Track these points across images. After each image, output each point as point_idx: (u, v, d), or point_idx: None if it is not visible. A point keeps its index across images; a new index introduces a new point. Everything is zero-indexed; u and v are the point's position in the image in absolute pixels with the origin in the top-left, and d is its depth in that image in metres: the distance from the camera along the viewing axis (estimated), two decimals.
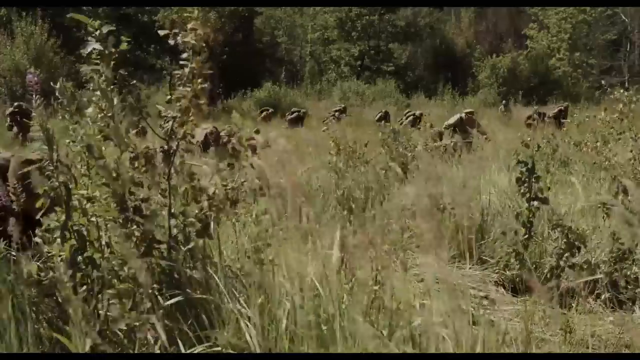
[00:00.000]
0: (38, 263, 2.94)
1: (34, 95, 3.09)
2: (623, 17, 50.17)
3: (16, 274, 2.83)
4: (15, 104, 18.46)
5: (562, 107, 21.29)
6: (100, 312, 2.68)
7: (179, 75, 3.10)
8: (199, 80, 3.08)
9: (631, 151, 7.90)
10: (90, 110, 3.04)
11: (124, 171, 2.96)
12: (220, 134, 11.43)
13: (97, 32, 3.01)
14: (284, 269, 2.90)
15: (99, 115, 3.00)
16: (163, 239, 2.95)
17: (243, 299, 2.81)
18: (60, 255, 2.83)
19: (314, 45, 52.71)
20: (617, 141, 8.81)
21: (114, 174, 2.93)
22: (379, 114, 25.25)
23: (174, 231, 3.02)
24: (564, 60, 45.69)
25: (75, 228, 2.88)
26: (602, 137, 9.28)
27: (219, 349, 2.60)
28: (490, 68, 43.79)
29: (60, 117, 3.16)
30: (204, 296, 2.78)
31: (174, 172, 3.09)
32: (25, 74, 3.65)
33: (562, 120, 17.03)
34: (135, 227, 2.88)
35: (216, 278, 2.80)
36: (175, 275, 2.86)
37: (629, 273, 4.76)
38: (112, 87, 3.04)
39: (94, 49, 3.01)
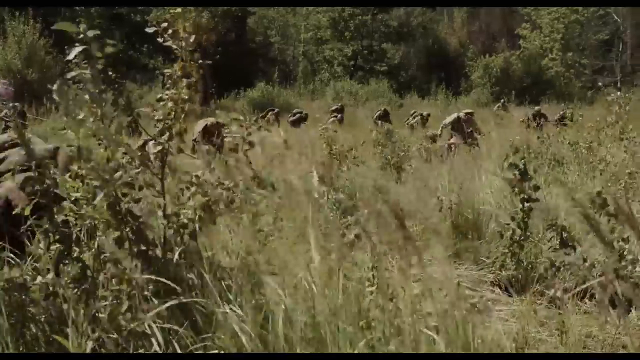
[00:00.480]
0: (26, 265, 2.91)
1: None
2: (615, 17, 50.35)
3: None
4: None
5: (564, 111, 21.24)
6: (98, 314, 2.64)
7: (168, 75, 3.08)
8: (184, 84, 3.05)
9: (625, 152, 7.92)
10: (83, 112, 3.01)
11: (115, 172, 2.93)
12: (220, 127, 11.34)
13: (82, 36, 2.98)
14: (276, 270, 2.87)
15: (90, 117, 2.97)
16: (157, 240, 2.92)
17: (237, 302, 2.78)
18: (49, 257, 2.80)
19: (307, 45, 52.70)
20: (613, 142, 8.85)
21: (106, 176, 2.89)
22: (378, 113, 25.16)
23: (168, 232, 2.99)
24: (557, 60, 45.82)
25: (60, 229, 2.84)
26: (597, 138, 9.30)
27: (215, 351, 2.58)
28: (483, 68, 43.88)
29: (52, 119, 3.12)
30: (198, 299, 2.75)
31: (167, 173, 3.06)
32: (17, 75, 3.61)
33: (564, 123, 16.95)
34: (128, 229, 2.84)
35: (209, 280, 2.77)
36: (170, 277, 2.82)
37: (624, 273, 4.75)
38: (102, 88, 3.01)
39: (80, 52, 2.98)
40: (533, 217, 5.27)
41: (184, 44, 3.07)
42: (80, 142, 2.90)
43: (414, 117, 19.56)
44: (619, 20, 50.74)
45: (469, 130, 13.22)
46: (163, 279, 2.70)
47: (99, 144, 3.03)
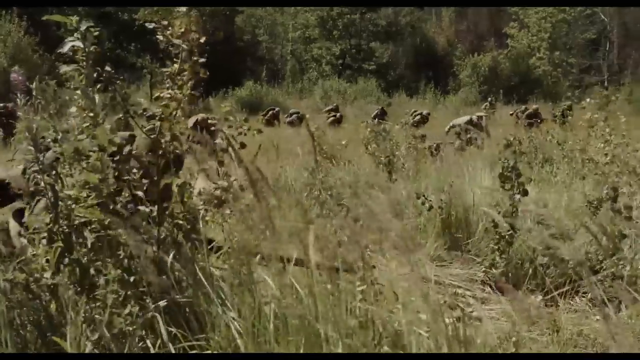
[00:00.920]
0: (21, 265, 2.87)
1: (18, 95, 3.02)
2: (602, 16, 50.59)
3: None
4: (1, 104, 17.32)
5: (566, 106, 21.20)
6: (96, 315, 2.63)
7: (168, 73, 3.05)
8: (189, 84, 3.03)
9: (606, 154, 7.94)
10: (73, 110, 2.98)
11: (109, 171, 2.91)
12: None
13: (76, 30, 2.95)
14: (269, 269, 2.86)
15: (83, 115, 2.94)
16: (151, 240, 2.91)
17: (230, 302, 2.77)
18: (46, 258, 2.78)
19: (295, 44, 52.67)
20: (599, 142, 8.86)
21: (99, 175, 2.88)
22: (376, 112, 25.11)
23: (163, 233, 2.98)
24: (544, 59, 46.00)
25: (61, 230, 2.82)
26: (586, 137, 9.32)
27: (209, 351, 2.58)
28: (471, 67, 44.00)
29: (39, 118, 3.09)
30: (192, 300, 2.74)
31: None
32: (9, 73, 3.56)
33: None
34: (122, 228, 2.83)
35: (204, 280, 2.76)
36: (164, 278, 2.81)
37: (614, 271, 4.78)
38: (94, 85, 2.99)
39: (73, 46, 2.95)
40: (522, 214, 5.29)
41: (186, 43, 3.04)
42: (74, 140, 2.88)
43: (414, 116, 19.40)
44: (605, 19, 50.98)
45: (479, 133, 13.25)
46: (157, 279, 2.68)
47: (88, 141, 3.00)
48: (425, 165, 9.22)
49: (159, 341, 2.61)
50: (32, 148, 2.90)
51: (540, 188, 7.34)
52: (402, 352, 2.43)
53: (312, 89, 43.50)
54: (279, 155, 11.28)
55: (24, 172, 3.43)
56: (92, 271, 2.80)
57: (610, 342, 3.98)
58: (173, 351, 2.59)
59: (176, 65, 3.13)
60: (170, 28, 3.13)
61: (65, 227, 2.84)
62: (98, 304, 2.66)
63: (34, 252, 2.83)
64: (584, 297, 4.66)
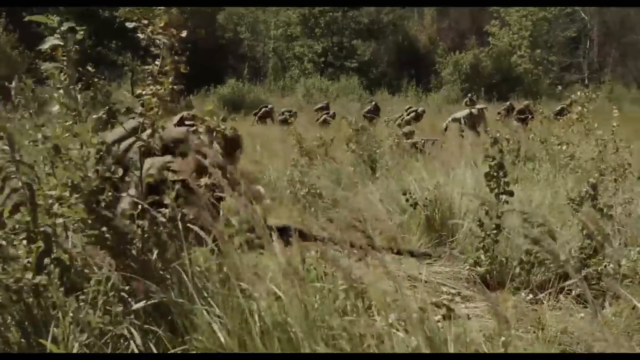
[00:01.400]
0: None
1: None
2: (582, 14, 50.91)
3: None
4: None
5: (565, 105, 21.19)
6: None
7: (149, 71, 3.02)
8: (170, 80, 3.01)
9: (593, 150, 7.98)
10: (56, 108, 2.94)
11: (91, 170, 2.88)
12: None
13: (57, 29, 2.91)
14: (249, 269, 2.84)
15: (64, 113, 2.91)
16: (135, 239, 2.87)
17: (214, 302, 2.74)
18: (27, 258, 2.73)
19: (277, 42, 52.59)
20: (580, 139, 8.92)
21: (81, 174, 2.84)
22: (368, 107, 25.00)
23: (146, 232, 2.94)
24: (525, 57, 46.21)
25: (42, 229, 2.78)
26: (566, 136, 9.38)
27: (194, 351, 2.55)
28: (453, 65, 44.11)
29: (20, 117, 3.04)
30: (177, 300, 2.71)
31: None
32: None
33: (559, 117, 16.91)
34: (105, 228, 2.79)
35: (187, 280, 2.73)
36: (147, 277, 2.78)
37: (599, 269, 4.79)
38: (76, 84, 2.95)
39: (54, 45, 2.91)
40: (507, 211, 5.29)
41: (167, 38, 3.01)
42: (55, 139, 2.84)
43: (408, 113, 19.25)
44: (586, 17, 51.32)
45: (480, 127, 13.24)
46: (140, 278, 2.66)
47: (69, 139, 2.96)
48: (410, 162, 9.20)
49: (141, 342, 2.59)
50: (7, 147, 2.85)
51: (523, 185, 7.36)
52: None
53: (294, 87, 43.45)
54: (264, 153, 11.27)
55: None
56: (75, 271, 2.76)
57: (594, 340, 4.01)
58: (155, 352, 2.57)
59: (158, 62, 3.10)
60: (151, 26, 3.10)
61: (45, 227, 2.80)
62: (83, 304, 2.62)
63: (14, 253, 2.78)
64: (568, 294, 4.66)
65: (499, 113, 19.00)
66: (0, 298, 2.67)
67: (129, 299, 2.74)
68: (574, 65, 50.84)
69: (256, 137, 13.60)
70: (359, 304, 2.65)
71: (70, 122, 2.93)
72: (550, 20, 48.00)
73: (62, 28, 2.93)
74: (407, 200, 6.08)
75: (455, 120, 14.84)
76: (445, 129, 14.97)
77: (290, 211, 6.77)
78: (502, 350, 2.63)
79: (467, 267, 5.24)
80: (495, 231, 5.08)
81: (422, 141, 11.28)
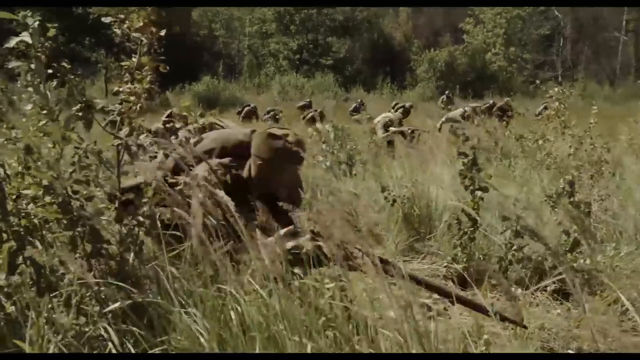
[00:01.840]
0: None
1: None
2: (556, 12, 51.28)
3: None
4: None
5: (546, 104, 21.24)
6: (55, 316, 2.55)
7: (127, 67, 2.97)
8: (149, 78, 2.97)
9: (570, 147, 8.04)
10: (28, 107, 2.89)
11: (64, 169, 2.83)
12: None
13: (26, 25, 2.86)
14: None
15: (37, 112, 2.86)
16: (111, 239, 2.83)
17: (192, 301, 2.71)
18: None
19: (252, 39, 52.44)
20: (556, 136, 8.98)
21: (55, 173, 2.79)
22: (354, 105, 24.88)
23: (123, 230, 2.90)
24: (500, 54, 46.47)
25: (13, 229, 2.73)
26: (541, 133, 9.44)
27: (174, 352, 2.52)
28: (428, 62, 44.24)
29: None
30: (155, 300, 2.67)
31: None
32: None
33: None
34: (80, 227, 2.75)
35: (165, 280, 2.69)
36: (125, 278, 2.74)
37: (575, 265, 4.82)
38: (49, 81, 2.90)
39: (22, 41, 2.85)
40: (484, 208, 5.31)
41: (145, 36, 2.97)
42: (28, 138, 2.79)
43: (396, 109, 19.13)
44: (559, 15, 51.71)
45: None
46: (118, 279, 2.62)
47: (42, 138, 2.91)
48: (387, 159, 9.21)
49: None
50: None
51: (500, 182, 7.38)
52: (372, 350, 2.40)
53: (269, 84, 43.36)
54: None
55: None
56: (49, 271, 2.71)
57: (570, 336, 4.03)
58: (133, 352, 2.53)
59: (135, 59, 3.06)
60: (127, 21, 3.06)
61: (17, 226, 2.75)
62: (59, 304, 2.58)
63: None
64: (545, 291, 4.69)
65: (483, 110, 19.05)
66: None
67: (105, 299, 2.70)
68: (547, 62, 51.24)
69: None
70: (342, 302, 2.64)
71: (44, 122, 2.87)
72: (524, 18, 48.32)
73: (31, 24, 2.87)
74: (385, 197, 6.07)
75: (449, 120, 14.87)
76: (439, 129, 15.00)
77: None
78: (482, 347, 2.63)
79: (445, 264, 5.25)
80: (472, 228, 5.08)
81: (410, 131, 11.28)
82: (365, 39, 52.22)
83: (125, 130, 2.92)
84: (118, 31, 3.05)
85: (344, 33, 51.09)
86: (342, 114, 21.91)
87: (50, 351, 2.40)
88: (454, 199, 5.88)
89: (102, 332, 2.54)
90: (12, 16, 2.87)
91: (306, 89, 39.78)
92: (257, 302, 2.61)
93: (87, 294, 2.59)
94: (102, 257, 2.76)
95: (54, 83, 2.92)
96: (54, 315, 2.49)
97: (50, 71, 2.91)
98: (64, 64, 2.94)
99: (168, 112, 5.49)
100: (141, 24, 3.05)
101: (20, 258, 2.75)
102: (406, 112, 18.68)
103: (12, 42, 2.86)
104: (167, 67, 3.10)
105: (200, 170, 3.08)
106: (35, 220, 2.83)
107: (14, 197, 2.83)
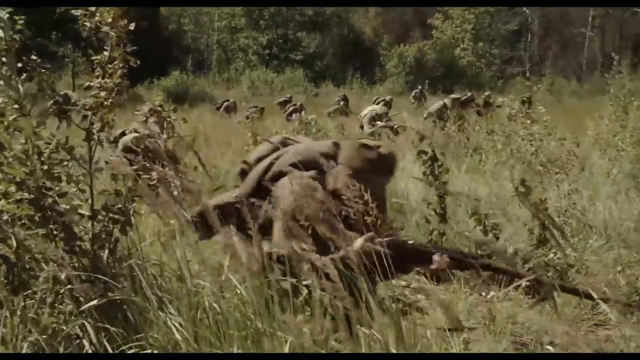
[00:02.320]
0: None
1: None
2: (524, 7, 51.61)
3: None
4: None
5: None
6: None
7: (97, 62, 2.94)
8: (120, 73, 2.93)
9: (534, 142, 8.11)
10: None
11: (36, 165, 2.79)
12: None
13: None
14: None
15: (10, 106, 2.81)
16: (84, 236, 2.80)
17: (167, 299, 2.70)
18: None
19: (221, 34, 52.11)
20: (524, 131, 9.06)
21: (27, 169, 2.75)
22: (337, 98, 24.76)
23: (97, 227, 2.87)
24: (468, 50, 46.69)
25: None
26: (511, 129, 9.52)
27: (149, 350, 2.50)
28: (397, 57, 44.29)
29: None
30: (129, 297, 2.65)
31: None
32: None
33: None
34: (53, 224, 2.71)
35: (141, 277, 2.67)
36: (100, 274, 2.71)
37: (546, 259, 4.87)
38: (19, 75, 2.86)
39: None
40: (452, 205, 5.35)
41: (115, 30, 2.94)
42: None
43: (377, 103, 19.04)
44: (527, 11, 52.06)
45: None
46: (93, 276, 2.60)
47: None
48: None
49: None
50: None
51: (470, 177, 7.44)
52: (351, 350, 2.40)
53: (239, 79, 43.18)
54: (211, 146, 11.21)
55: None
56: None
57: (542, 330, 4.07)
58: (110, 350, 2.51)
59: (106, 53, 3.03)
60: (97, 15, 3.03)
61: None
62: (32, 302, 2.55)
63: None
64: (518, 286, 4.73)
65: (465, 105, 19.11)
66: None
67: (80, 297, 2.67)
68: (515, 58, 51.56)
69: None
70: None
71: (15, 116, 2.83)
72: (492, 13, 48.58)
73: (1, 16, 2.83)
74: None
75: (430, 115, 14.91)
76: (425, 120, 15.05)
77: None
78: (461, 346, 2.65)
79: None
80: (441, 223, 5.12)
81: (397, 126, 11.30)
82: (334, 34, 52.12)
83: (97, 125, 2.89)
84: (88, 24, 3.01)
85: (313, 28, 50.97)
86: (313, 109, 21.84)
87: (24, 351, 2.37)
88: (426, 194, 5.92)
89: (78, 331, 2.51)
90: None
91: (276, 84, 39.68)
92: (234, 300, 2.60)
93: (62, 291, 2.56)
94: (76, 254, 2.73)
95: (23, 77, 2.88)
96: (28, 314, 2.46)
97: (20, 65, 2.87)
98: (33, 56, 2.91)
99: (146, 107, 5.43)
100: (110, 19, 3.02)
101: None
102: (387, 104, 18.65)
103: None
104: (138, 62, 3.07)
105: (285, 189, 2.99)
106: (6, 217, 2.79)
107: None
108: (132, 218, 2.85)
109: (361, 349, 2.40)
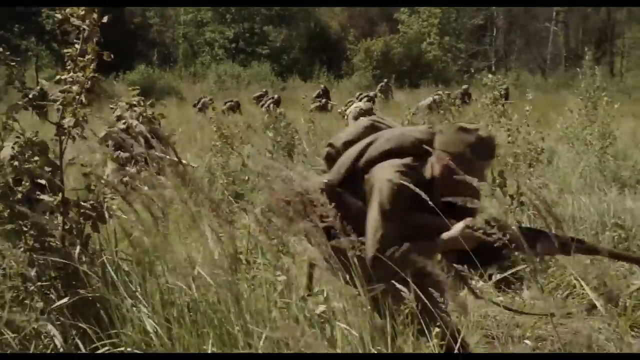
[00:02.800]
0: None
1: None
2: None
3: None
4: None
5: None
6: None
7: (69, 55, 2.88)
8: (92, 66, 2.88)
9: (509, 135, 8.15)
10: None
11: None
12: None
13: None
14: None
15: None
16: (56, 232, 2.74)
17: (140, 294, 2.66)
18: None
19: (187, 27, 51.77)
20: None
21: None
22: (318, 91, 24.58)
23: (67, 223, 2.82)
24: (435, 44, 46.90)
25: None
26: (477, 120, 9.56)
27: (122, 348, 2.46)
28: (364, 51, 44.39)
29: None
30: (101, 294, 2.61)
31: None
32: None
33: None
34: (23, 220, 2.66)
35: (112, 273, 2.63)
36: (71, 272, 2.66)
37: (517, 253, 4.88)
38: None
39: None
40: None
41: (87, 23, 2.88)
42: None
43: (360, 99, 18.90)
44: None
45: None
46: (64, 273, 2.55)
47: None
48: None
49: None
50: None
51: None
52: (327, 342, 2.39)
53: (205, 73, 42.99)
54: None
55: None
56: None
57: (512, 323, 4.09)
58: (82, 349, 2.47)
59: (77, 47, 2.97)
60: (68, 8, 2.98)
61: None
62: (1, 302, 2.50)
63: None
64: (490, 279, 4.77)
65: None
66: None
67: (50, 294, 2.63)
68: (481, 52, 51.97)
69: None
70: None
71: None
72: (458, 8, 48.89)
73: None
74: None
75: (420, 109, 14.94)
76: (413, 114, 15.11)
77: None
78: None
79: None
80: None
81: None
82: (301, 28, 52.05)
83: (69, 120, 2.83)
84: (59, 15, 2.95)
85: (280, 22, 50.87)
86: (291, 105, 21.76)
87: None
88: None
89: (48, 329, 2.47)
90: None
91: (242, 78, 39.59)
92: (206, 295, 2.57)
93: (31, 288, 2.51)
94: (46, 251, 2.67)
95: None
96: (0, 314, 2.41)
97: None
98: (0, 49, 2.85)
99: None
100: (83, 11, 2.96)
101: None
102: (372, 101, 18.63)
103: None
104: (112, 55, 3.02)
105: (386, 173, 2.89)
106: None
107: None
108: (106, 213, 2.80)
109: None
